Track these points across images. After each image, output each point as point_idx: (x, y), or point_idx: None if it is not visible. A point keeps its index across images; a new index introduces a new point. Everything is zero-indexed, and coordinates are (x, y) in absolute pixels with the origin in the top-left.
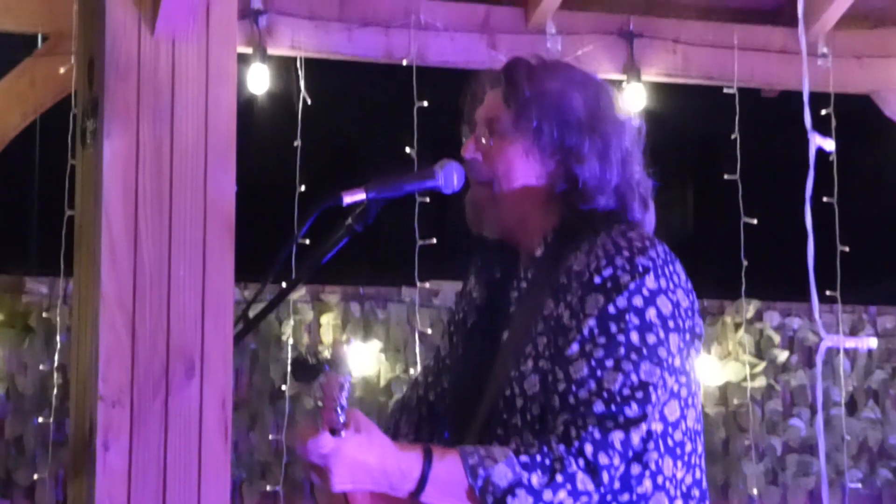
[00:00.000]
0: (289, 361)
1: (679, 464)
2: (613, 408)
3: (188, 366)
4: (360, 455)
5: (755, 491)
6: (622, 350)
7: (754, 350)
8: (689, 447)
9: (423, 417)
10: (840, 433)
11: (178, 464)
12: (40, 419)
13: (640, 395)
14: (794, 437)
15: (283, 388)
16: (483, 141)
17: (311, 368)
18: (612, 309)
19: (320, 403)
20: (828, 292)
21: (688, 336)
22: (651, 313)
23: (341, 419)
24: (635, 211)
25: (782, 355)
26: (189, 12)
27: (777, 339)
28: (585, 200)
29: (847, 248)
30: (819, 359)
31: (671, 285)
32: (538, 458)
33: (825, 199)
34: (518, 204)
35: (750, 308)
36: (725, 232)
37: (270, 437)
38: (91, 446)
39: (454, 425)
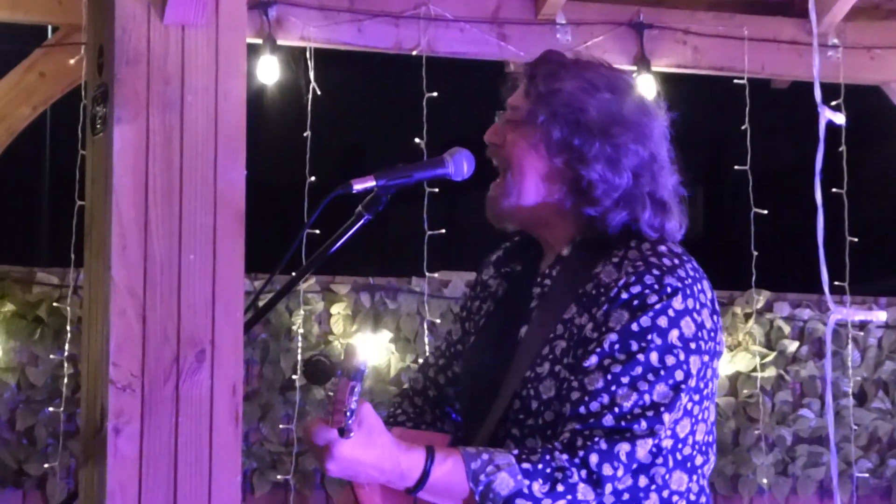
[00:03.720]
0: (299, 354)
1: (692, 477)
2: (623, 423)
3: (199, 352)
4: (357, 453)
5: (765, 481)
6: (640, 369)
7: (764, 341)
8: (699, 460)
9: (429, 400)
10: (849, 424)
11: (189, 449)
12: (51, 409)
13: (650, 414)
14: (804, 427)
15: (294, 378)
16: (501, 127)
17: (322, 371)
18: (635, 327)
19: (330, 407)
20: (836, 283)
21: (707, 357)
22: (673, 335)
23: (350, 422)
24: (644, 221)
25: (792, 346)
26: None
27: (787, 329)
28: (590, 203)
29: (856, 239)
30: (828, 330)
31: (697, 305)
32: (540, 465)
33: (834, 190)
34: (536, 205)
35: (760, 299)
36: (736, 223)
37: (281, 427)
38: (102, 432)
39: (466, 415)
